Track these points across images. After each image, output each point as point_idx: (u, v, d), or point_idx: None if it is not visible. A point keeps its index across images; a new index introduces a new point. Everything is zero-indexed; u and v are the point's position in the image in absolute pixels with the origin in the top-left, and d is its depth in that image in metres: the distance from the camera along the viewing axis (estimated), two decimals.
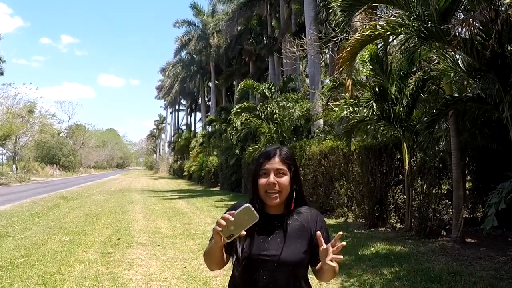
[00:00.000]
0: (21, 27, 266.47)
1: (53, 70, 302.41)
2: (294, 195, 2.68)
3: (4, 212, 19.37)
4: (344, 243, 2.43)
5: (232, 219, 2.34)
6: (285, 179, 2.62)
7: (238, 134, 27.68)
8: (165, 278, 8.41)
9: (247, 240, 2.56)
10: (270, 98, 24.35)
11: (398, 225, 12.95)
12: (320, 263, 2.55)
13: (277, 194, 2.59)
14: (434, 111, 10.45)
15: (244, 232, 2.39)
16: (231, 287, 2.78)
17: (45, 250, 10.86)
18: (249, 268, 2.57)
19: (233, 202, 2.85)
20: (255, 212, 2.39)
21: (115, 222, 15.92)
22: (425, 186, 11.96)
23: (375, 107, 12.40)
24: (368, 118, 12.68)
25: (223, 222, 2.35)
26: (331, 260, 2.39)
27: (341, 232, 2.49)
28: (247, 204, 2.41)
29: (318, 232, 2.47)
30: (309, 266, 2.72)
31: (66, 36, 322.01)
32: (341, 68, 11.07)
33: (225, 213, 2.57)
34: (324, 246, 2.42)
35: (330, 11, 17.90)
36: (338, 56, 10.95)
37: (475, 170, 13.57)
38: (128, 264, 9.45)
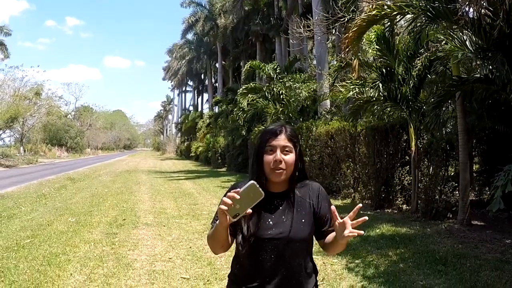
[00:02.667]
0: (26, 10, 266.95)
1: (58, 52, 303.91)
2: (297, 174, 2.66)
3: (11, 193, 19.46)
4: (366, 217, 2.46)
5: (238, 197, 2.30)
6: (291, 157, 2.59)
7: (245, 115, 27.61)
8: (170, 258, 8.43)
9: (252, 220, 2.52)
10: (275, 79, 24.24)
11: (404, 206, 12.93)
12: (329, 236, 2.64)
13: (282, 171, 2.57)
14: (441, 92, 10.37)
15: (250, 210, 2.35)
16: (235, 268, 2.76)
17: (51, 231, 10.90)
18: (257, 247, 2.55)
19: (243, 180, 2.81)
20: (260, 189, 2.34)
21: (121, 203, 15.98)
22: (431, 168, 11.90)
23: (381, 88, 12.33)
24: (374, 98, 12.61)
25: (229, 201, 2.31)
26: (350, 233, 2.40)
27: (360, 205, 2.51)
28: (252, 181, 2.36)
29: (333, 207, 2.48)
30: (313, 241, 2.73)
31: (71, 18, 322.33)
32: (348, 49, 11.00)
33: (226, 193, 2.56)
34: (340, 220, 2.43)
35: None
36: (345, 36, 10.90)
37: (482, 152, 13.50)
38: (133, 245, 9.48)
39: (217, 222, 2.48)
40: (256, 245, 2.55)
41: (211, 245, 2.70)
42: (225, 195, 2.58)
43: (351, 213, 2.42)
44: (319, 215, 2.68)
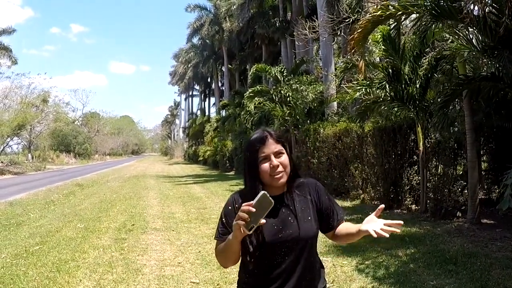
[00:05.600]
0: (31, 18, 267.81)
1: (64, 59, 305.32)
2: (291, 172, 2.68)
3: (20, 200, 19.50)
4: (401, 222, 2.50)
5: (254, 210, 2.29)
6: (285, 158, 2.60)
7: (252, 118, 27.58)
8: (179, 263, 8.42)
9: (259, 228, 2.48)
10: (282, 81, 24.20)
11: (413, 206, 12.88)
12: (343, 228, 2.75)
13: (282, 174, 2.57)
14: (448, 91, 10.33)
15: (264, 221, 2.34)
16: (245, 277, 2.74)
17: (59, 238, 10.91)
18: (268, 253, 2.55)
19: (238, 191, 2.79)
20: (270, 197, 2.33)
21: (129, 208, 15.99)
22: (440, 167, 11.88)
23: (388, 88, 12.30)
24: (381, 99, 12.58)
25: (246, 216, 2.29)
26: (382, 230, 2.42)
27: (383, 205, 2.60)
28: (263, 192, 2.34)
29: (382, 205, 2.58)
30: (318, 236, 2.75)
31: (76, 25, 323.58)
32: (354, 50, 10.97)
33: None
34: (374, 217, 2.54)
35: None
36: (350, 37, 10.86)
37: (490, 150, 13.43)
38: (142, 250, 9.48)
39: (229, 237, 2.48)
40: (268, 251, 2.55)
41: (223, 260, 2.70)
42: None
43: (375, 212, 2.55)
44: (323, 209, 2.72)
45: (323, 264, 2.88)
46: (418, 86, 12.08)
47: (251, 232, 2.33)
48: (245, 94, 28.15)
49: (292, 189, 2.68)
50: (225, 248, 2.57)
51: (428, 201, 11.99)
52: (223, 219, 2.65)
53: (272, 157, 2.55)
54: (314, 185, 2.78)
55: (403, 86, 12.20)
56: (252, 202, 2.30)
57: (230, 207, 2.65)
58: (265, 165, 2.55)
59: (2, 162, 49.21)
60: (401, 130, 13.12)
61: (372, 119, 14.85)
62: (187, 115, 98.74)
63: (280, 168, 2.55)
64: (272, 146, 2.57)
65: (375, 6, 10.58)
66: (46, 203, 18.30)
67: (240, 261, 2.70)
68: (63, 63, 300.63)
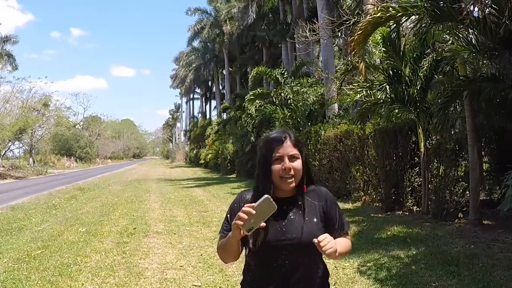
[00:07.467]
0: (31, 22, 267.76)
1: (65, 63, 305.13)
2: (305, 178, 2.65)
3: (21, 205, 19.46)
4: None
5: (254, 212, 2.30)
6: (298, 163, 2.59)
7: (253, 121, 27.54)
8: (181, 266, 8.42)
9: (263, 228, 2.49)
10: (283, 84, 24.20)
11: (415, 208, 12.87)
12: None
13: (292, 179, 2.56)
14: (449, 92, 10.33)
15: (264, 224, 2.35)
16: (247, 276, 2.74)
17: (61, 242, 10.90)
18: (270, 255, 2.56)
19: (249, 188, 2.79)
20: (274, 202, 2.34)
21: (131, 212, 15.98)
22: (441, 168, 11.87)
23: (388, 90, 12.32)
24: (382, 101, 12.59)
25: (245, 217, 2.31)
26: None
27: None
28: (267, 196, 2.36)
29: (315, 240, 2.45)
30: None
31: (76, 29, 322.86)
32: (354, 51, 10.97)
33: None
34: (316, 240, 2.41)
35: None
36: (350, 39, 10.86)
37: (491, 151, 13.41)
38: (144, 253, 9.48)
39: (229, 234, 2.49)
40: (270, 252, 2.55)
41: (222, 256, 2.72)
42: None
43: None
44: (329, 218, 2.69)
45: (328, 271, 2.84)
46: (418, 87, 12.08)
47: (249, 233, 2.35)
48: (246, 97, 28.21)
49: (302, 193, 2.66)
50: (224, 244, 2.60)
51: (430, 202, 11.99)
52: (228, 215, 2.68)
53: (286, 159, 2.55)
54: (324, 193, 2.76)
55: (403, 87, 12.21)
56: (254, 204, 2.32)
57: (235, 205, 2.67)
58: (278, 166, 2.55)
59: (3, 166, 49.16)
60: (402, 132, 13.12)
61: (373, 121, 14.85)
62: (188, 118, 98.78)
63: (291, 172, 2.55)
64: (289, 149, 2.57)
65: (375, 8, 10.58)
66: (48, 207, 18.26)
67: (245, 261, 2.72)
68: (64, 67, 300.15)
